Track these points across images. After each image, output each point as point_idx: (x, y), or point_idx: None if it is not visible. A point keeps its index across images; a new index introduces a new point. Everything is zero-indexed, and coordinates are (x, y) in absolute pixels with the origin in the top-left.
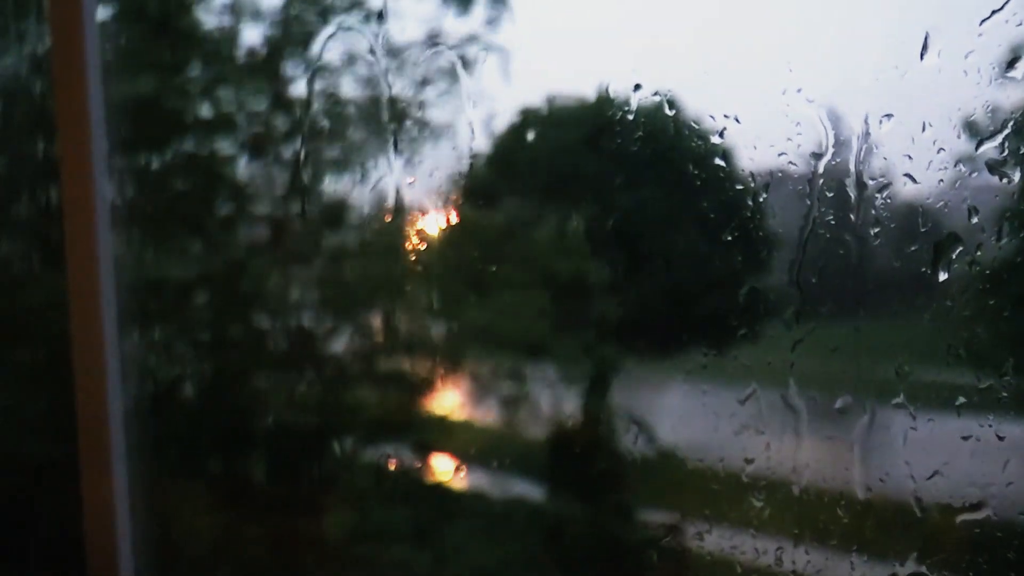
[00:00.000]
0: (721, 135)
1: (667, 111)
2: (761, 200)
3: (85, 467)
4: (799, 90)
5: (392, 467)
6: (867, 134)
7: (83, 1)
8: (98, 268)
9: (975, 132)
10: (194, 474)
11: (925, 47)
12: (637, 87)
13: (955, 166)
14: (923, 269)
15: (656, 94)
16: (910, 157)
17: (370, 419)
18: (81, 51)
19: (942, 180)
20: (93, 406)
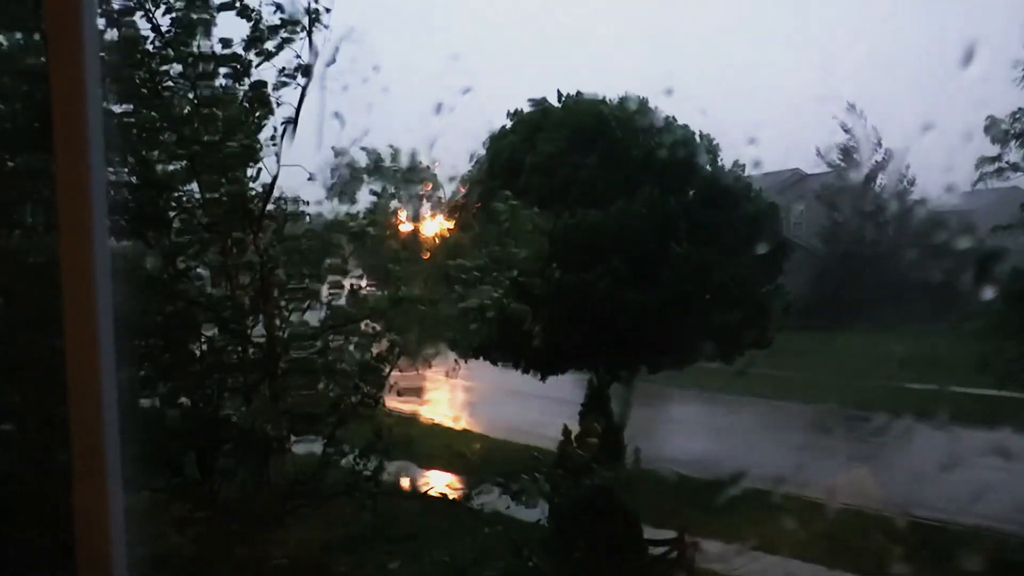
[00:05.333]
0: (753, 143)
1: (698, 118)
2: (798, 211)
3: (78, 475)
4: (836, 98)
5: (406, 486)
6: (907, 144)
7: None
8: (94, 275)
9: (1021, 143)
10: (182, 483)
11: (970, 57)
12: (668, 93)
13: (1002, 176)
14: (963, 283)
15: (675, 123)
16: (950, 168)
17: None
18: (80, 69)
19: (983, 192)
20: (87, 415)
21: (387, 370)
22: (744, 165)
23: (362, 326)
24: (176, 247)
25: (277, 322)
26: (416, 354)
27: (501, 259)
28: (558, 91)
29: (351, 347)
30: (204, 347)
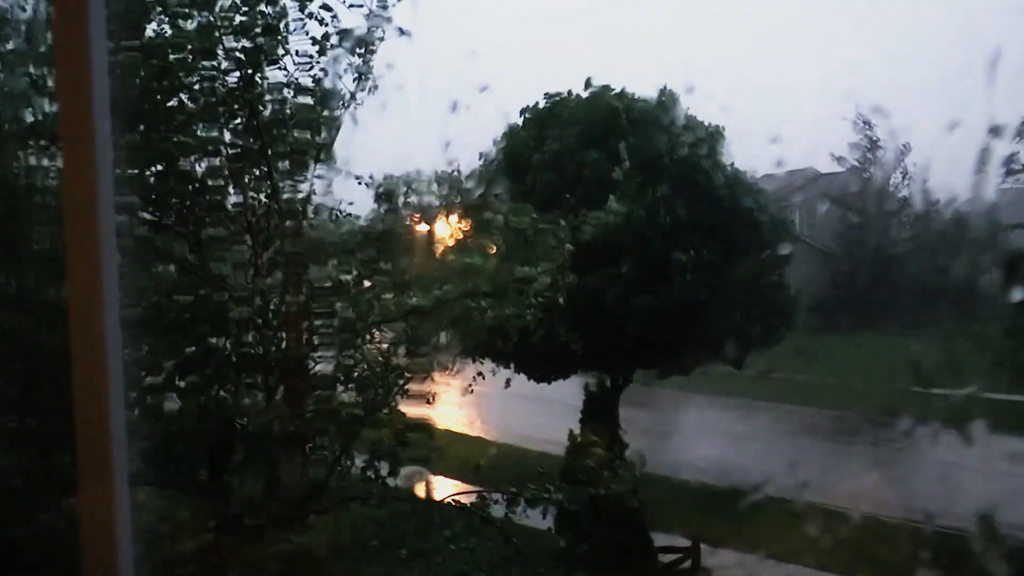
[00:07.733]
0: (776, 141)
1: (719, 115)
2: (810, 210)
3: (84, 477)
4: (856, 95)
5: (420, 490)
6: (921, 144)
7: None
8: (101, 277)
9: None
10: (192, 488)
11: (997, 57)
12: (689, 91)
13: (1017, 178)
14: (990, 285)
15: (692, 118)
16: (975, 169)
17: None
18: (87, 66)
19: (1010, 191)
20: (93, 416)
21: (431, 371)
22: (744, 168)
23: (398, 329)
24: (210, 241)
25: (304, 322)
26: (446, 359)
27: (526, 278)
28: (587, 80)
29: (379, 350)
30: (228, 343)
